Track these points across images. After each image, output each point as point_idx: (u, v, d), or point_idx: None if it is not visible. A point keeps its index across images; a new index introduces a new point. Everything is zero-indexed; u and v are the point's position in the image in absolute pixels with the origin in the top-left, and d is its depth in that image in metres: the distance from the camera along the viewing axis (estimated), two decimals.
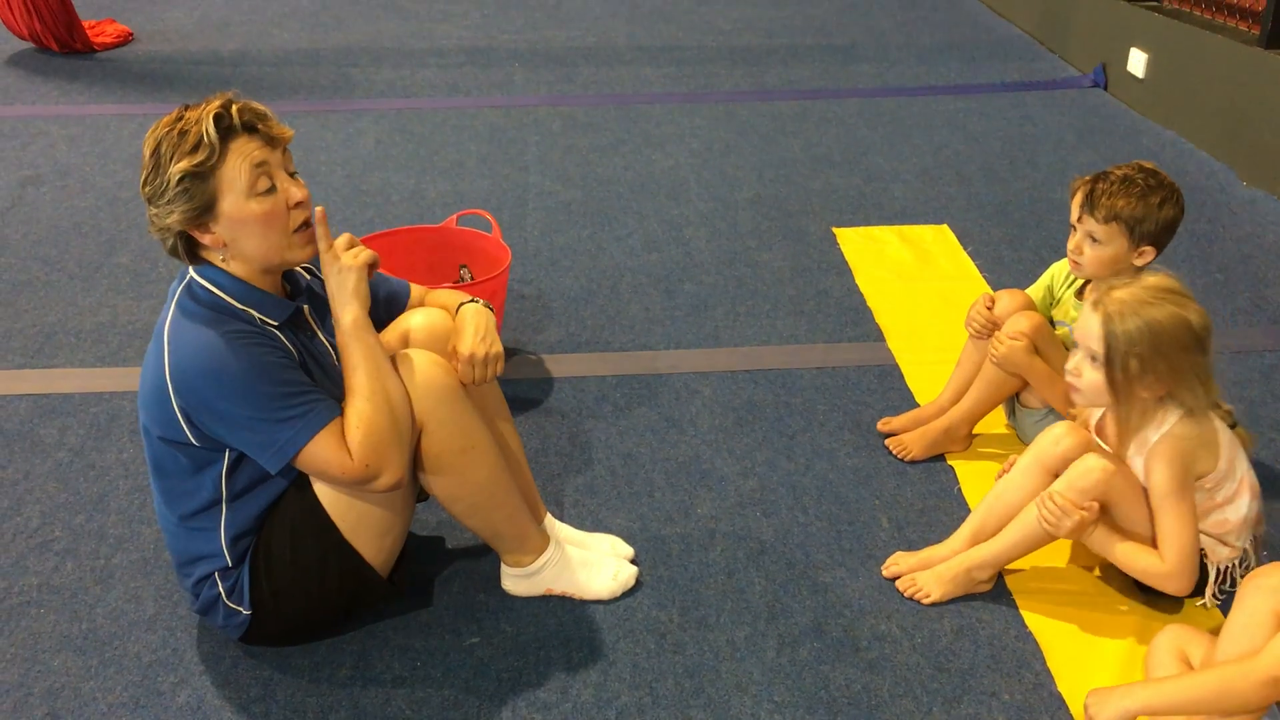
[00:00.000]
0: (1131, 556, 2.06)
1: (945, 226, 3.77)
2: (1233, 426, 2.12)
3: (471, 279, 2.93)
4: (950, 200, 3.99)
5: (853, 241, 3.67)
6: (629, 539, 2.32)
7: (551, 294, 3.38)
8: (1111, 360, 2.00)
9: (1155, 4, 4.85)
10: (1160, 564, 2.03)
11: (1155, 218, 2.31)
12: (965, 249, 3.62)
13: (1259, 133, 3.99)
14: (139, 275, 3.52)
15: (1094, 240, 2.36)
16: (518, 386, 2.89)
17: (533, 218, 3.90)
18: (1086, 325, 2.03)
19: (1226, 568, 2.12)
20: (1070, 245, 2.42)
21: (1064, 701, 1.93)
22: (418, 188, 4.16)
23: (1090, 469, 2.06)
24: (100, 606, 2.17)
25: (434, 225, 3.11)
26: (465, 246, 3.00)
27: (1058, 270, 2.58)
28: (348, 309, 1.91)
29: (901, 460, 2.58)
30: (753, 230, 3.78)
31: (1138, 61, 4.79)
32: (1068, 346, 2.47)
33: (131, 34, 6.19)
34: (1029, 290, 2.62)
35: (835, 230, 3.75)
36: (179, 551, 1.99)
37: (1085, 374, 2.06)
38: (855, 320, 3.21)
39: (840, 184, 4.15)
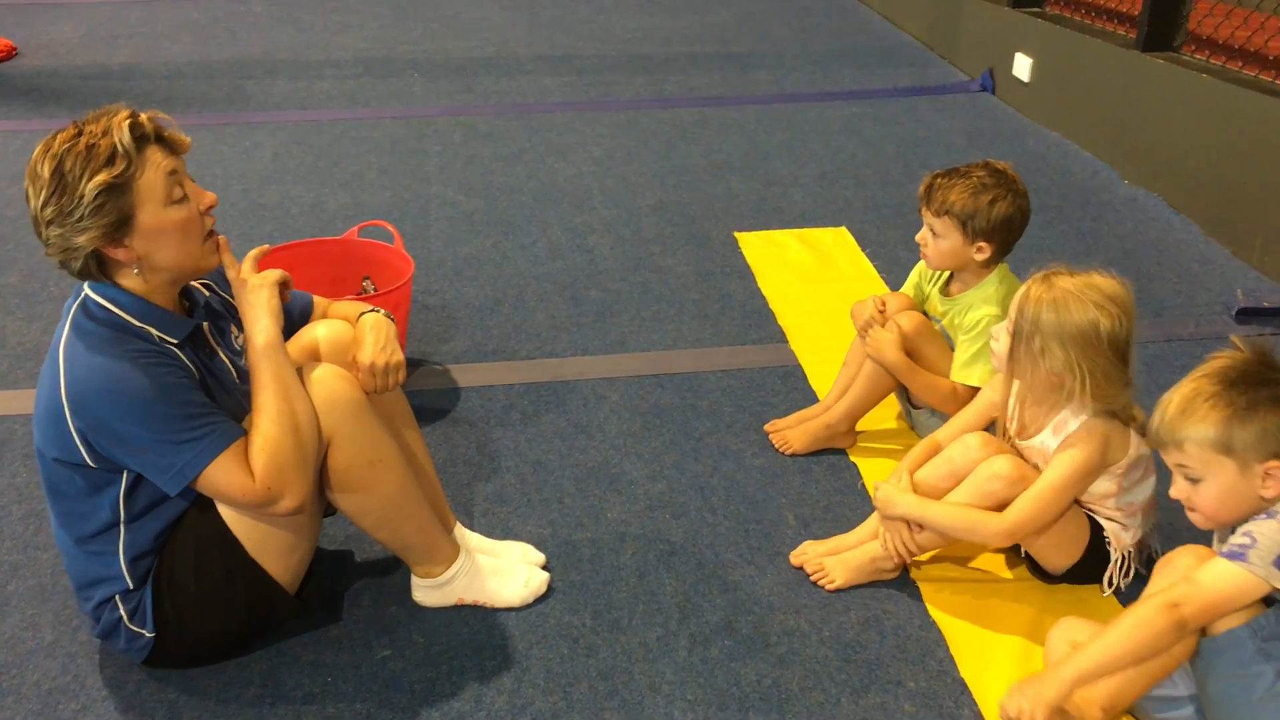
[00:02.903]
0: (968, 521, 2.11)
1: (844, 229, 3.85)
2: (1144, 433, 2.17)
3: (375, 290, 2.91)
4: (848, 203, 4.08)
5: (754, 245, 3.73)
6: (540, 545, 2.32)
7: (456, 304, 3.37)
8: (1017, 334, 2.07)
9: (1038, 10, 5.02)
10: (999, 520, 2.07)
11: (986, 214, 2.40)
12: (864, 250, 3.70)
13: (1138, 133, 4.15)
14: (28, 295, 3.42)
15: (934, 233, 2.45)
16: (424, 397, 2.88)
17: (436, 228, 3.88)
18: (1015, 296, 2.10)
19: (1127, 554, 2.19)
20: (918, 236, 2.51)
21: (966, 687, 1.99)
22: (318, 200, 4.11)
23: (994, 475, 2.12)
24: None
25: (335, 238, 3.08)
26: (368, 258, 2.98)
27: (921, 267, 2.66)
28: (260, 328, 1.89)
29: (783, 454, 2.62)
30: (656, 236, 3.82)
31: (1023, 66, 4.95)
32: (953, 348, 2.55)
33: (15, 48, 6.03)
34: (902, 289, 2.70)
35: (737, 235, 3.80)
36: (78, 575, 1.94)
37: (1001, 339, 2.14)
38: (759, 323, 3.26)
39: (741, 189, 4.21)
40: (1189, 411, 1.72)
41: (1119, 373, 2.06)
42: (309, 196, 4.15)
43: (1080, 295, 2.04)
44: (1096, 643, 1.72)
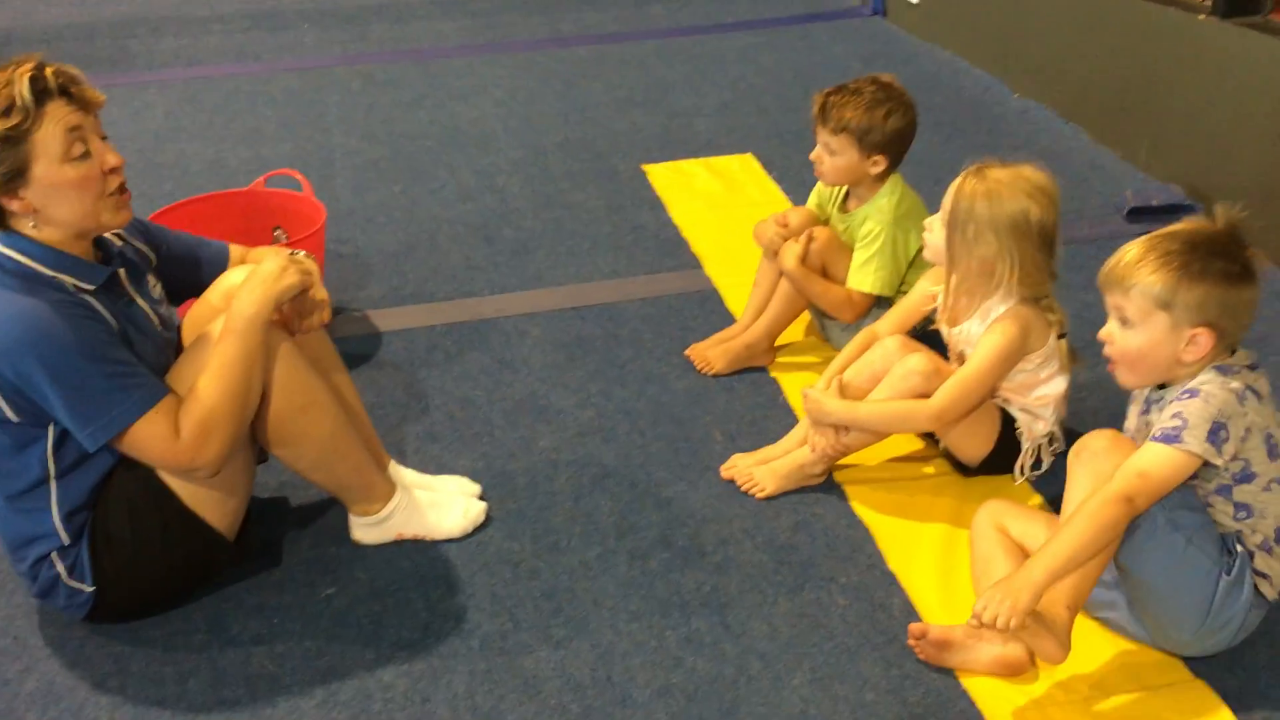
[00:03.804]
0: (898, 412, 2.20)
1: (750, 155, 3.90)
2: (1061, 336, 2.25)
3: (287, 240, 2.89)
4: (752, 130, 4.13)
5: (662, 176, 3.76)
6: (475, 478, 2.35)
7: (369, 251, 3.35)
8: (952, 224, 2.15)
9: None
10: (928, 405, 2.16)
11: (881, 128, 2.49)
12: (770, 175, 3.76)
13: (1025, 46, 4.25)
14: None
15: (830, 151, 2.52)
16: (346, 344, 2.86)
17: (342, 177, 3.84)
18: (950, 189, 2.17)
19: (1038, 446, 2.30)
20: (812, 155, 2.59)
21: (895, 578, 2.08)
22: (217, 156, 4.04)
23: (911, 371, 2.21)
24: None
25: (242, 189, 3.04)
26: (277, 208, 2.96)
27: (820, 187, 2.73)
28: (252, 299, 1.89)
29: (705, 374, 2.69)
30: (565, 173, 3.83)
31: None
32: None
33: None
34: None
35: (645, 167, 3.83)
36: (11, 535, 1.93)
37: (935, 230, 2.23)
38: (672, 251, 3.30)
39: (645, 122, 4.23)
40: (1145, 262, 1.76)
41: (1045, 261, 2.16)
42: (208, 153, 4.06)
43: (1012, 185, 2.12)
44: (1056, 542, 1.73)
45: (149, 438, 1.82)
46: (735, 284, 3.08)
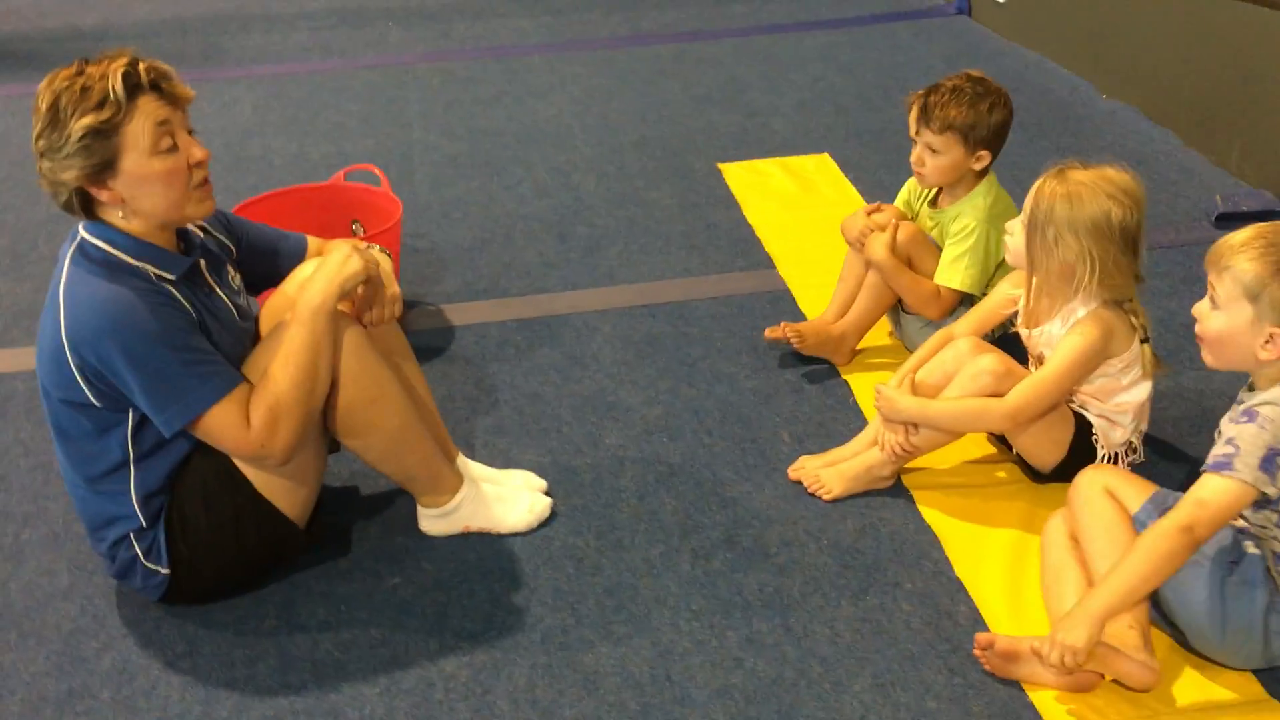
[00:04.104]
0: (971, 410, 2.17)
1: (826, 155, 3.87)
2: (1145, 341, 2.20)
3: (364, 233, 2.93)
4: (829, 130, 4.09)
5: (738, 176, 3.75)
6: (541, 473, 2.37)
7: (445, 246, 3.39)
8: (1033, 226, 2.11)
9: None
10: (1002, 403, 2.12)
11: (986, 123, 2.45)
12: (847, 176, 3.72)
13: (1115, 46, 4.16)
14: (19, 256, 3.44)
15: (933, 151, 2.49)
16: (419, 337, 2.91)
17: (420, 173, 3.89)
18: (1031, 191, 2.14)
19: (1115, 454, 2.25)
20: (913, 158, 2.54)
21: (962, 585, 2.05)
22: (300, 151, 4.11)
23: (981, 371, 2.18)
24: (13, 583, 2.15)
25: (322, 183, 3.09)
26: (355, 202, 3.00)
27: (911, 185, 2.70)
28: (319, 289, 1.92)
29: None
30: (640, 171, 3.83)
31: None
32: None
33: None
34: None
35: (720, 166, 3.82)
36: (91, 516, 1.98)
37: (1016, 233, 2.20)
38: (745, 251, 3.29)
39: (721, 121, 4.22)
40: (1248, 248, 1.72)
41: (1129, 262, 2.11)
42: (291, 148, 4.14)
43: (1094, 186, 2.08)
44: (1116, 576, 1.72)
45: (222, 425, 1.86)
46: (808, 284, 3.06)
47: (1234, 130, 3.52)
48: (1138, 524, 1.85)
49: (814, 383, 2.66)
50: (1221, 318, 1.77)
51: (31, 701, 1.90)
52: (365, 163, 3.83)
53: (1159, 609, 1.87)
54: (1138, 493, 1.91)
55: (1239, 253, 1.74)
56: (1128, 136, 3.88)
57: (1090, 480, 1.97)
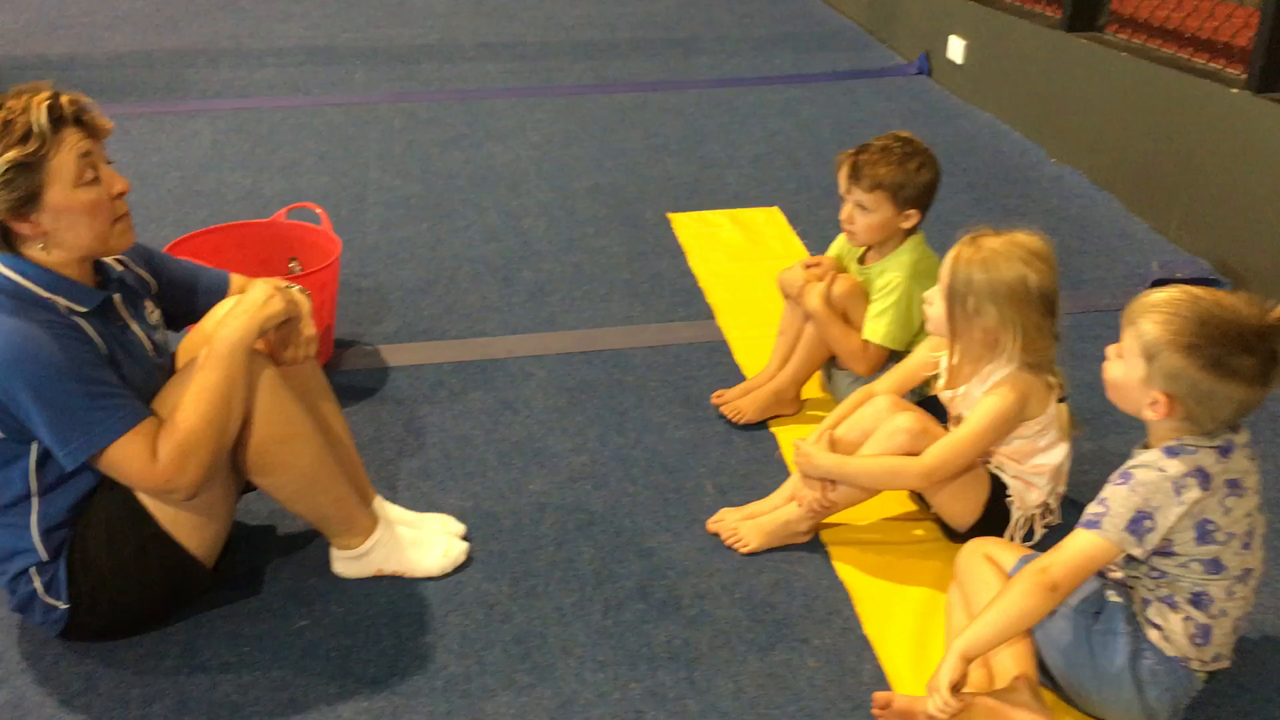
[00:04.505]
0: (887, 468, 2.18)
1: (776, 209, 3.90)
2: (1061, 400, 2.23)
3: (301, 271, 2.93)
4: (782, 184, 4.13)
5: (687, 226, 3.77)
6: (461, 517, 2.36)
7: (389, 286, 3.39)
8: (951, 297, 2.13)
9: None
10: (918, 461, 2.14)
11: (915, 182, 2.49)
12: (795, 229, 3.76)
13: (1064, 112, 4.22)
14: None
15: (863, 209, 2.52)
16: (353, 377, 2.91)
17: (372, 212, 3.90)
18: (946, 260, 2.16)
19: (1031, 516, 2.26)
20: (842, 216, 2.57)
21: (869, 643, 2.05)
22: (254, 186, 4.12)
23: (898, 429, 2.19)
24: None
25: (263, 220, 3.10)
26: (295, 240, 3.00)
27: (840, 241, 2.73)
28: (236, 326, 1.92)
29: (735, 424, 2.68)
30: (590, 218, 3.85)
31: (957, 48, 5.02)
32: None
33: None
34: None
35: (670, 215, 3.85)
36: None
37: (935, 304, 2.20)
38: (687, 301, 3.30)
39: (676, 171, 4.25)
40: (1157, 310, 1.74)
41: (1049, 325, 2.13)
42: (245, 183, 4.15)
43: (1007, 253, 2.10)
44: (981, 618, 1.77)
45: (127, 458, 1.85)
46: (745, 336, 3.07)
47: (1174, 198, 3.58)
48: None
49: (743, 434, 2.66)
50: (1120, 368, 1.80)
51: None
52: (316, 201, 3.85)
53: (1043, 670, 1.88)
54: (1012, 554, 1.94)
55: (1148, 313, 1.76)
56: (1072, 200, 3.93)
57: (971, 550, 2.01)
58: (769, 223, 3.80)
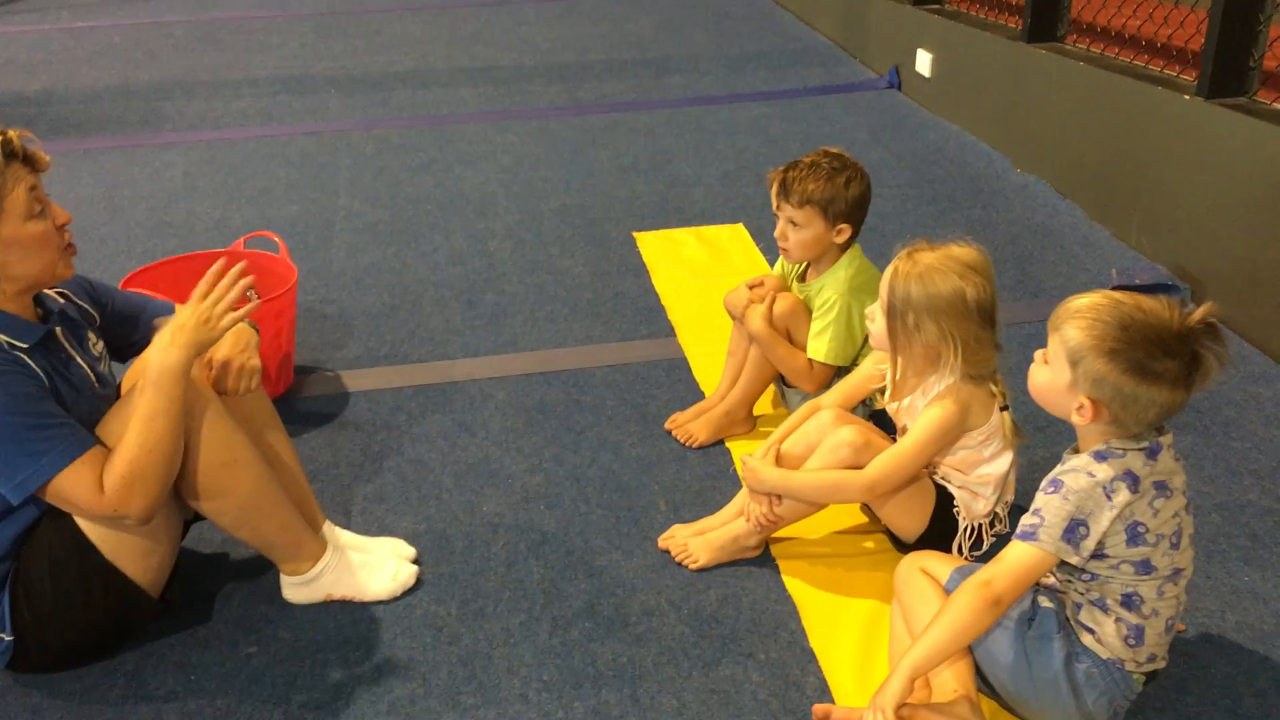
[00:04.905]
0: (831, 482, 2.19)
1: (740, 225, 3.93)
2: (1003, 409, 2.25)
3: (257, 299, 2.94)
4: (748, 200, 4.15)
5: (651, 244, 3.79)
6: (414, 540, 2.36)
7: (353, 312, 3.41)
8: (891, 313, 2.14)
9: (938, 6, 5.12)
10: (861, 475, 2.15)
11: (844, 196, 2.51)
12: (759, 245, 3.78)
13: (1027, 123, 4.25)
14: None
15: (795, 225, 2.54)
16: (312, 403, 2.92)
17: (339, 239, 3.92)
18: (884, 276, 2.17)
19: (978, 525, 2.26)
20: (776, 233, 2.60)
21: (814, 655, 2.05)
22: (223, 217, 4.14)
23: (840, 443, 2.20)
24: None
25: (221, 249, 3.11)
26: (253, 268, 2.99)
27: (782, 264, 2.74)
28: (169, 353, 1.91)
29: (688, 447, 2.69)
30: (556, 239, 3.88)
31: (924, 62, 5.05)
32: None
33: None
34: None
35: (635, 234, 3.87)
36: None
37: (877, 320, 2.21)
38: (649, 319, 3.32)
39: (644, 190, 4.28)
40: (1080, 315, 1.74)
41: (988, 336, 2.14)
42: (215, 213, 4.18)
43: (943, 268, 2.11)
44: (924, 635, 1.77)
45: (73, 487, 1.86)
46: (705, 353, 3.09)
47: (1133, 205, 3.60)
48: (946, 592, 1.87)
49: (697, 451, 2.67)
50: (1046, 373, 1.80)
51: None
52: (285, 228, 3.88)
53: (983, 680, 1.88)
54: (948, 566, 1.94)
55: (1072, 318, 1.77)
56: (1036, 209, 3.95)
57: (908, 564, 2.01)
58: (733, 239, 3.82)
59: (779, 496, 2.22)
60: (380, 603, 2.21)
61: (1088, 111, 3.83)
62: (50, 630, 1.98)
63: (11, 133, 1.88)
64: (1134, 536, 1.74)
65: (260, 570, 2.30)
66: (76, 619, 1.99)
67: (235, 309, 2.01)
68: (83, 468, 1.86)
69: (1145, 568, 1.76)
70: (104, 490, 1.86)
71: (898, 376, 2.24)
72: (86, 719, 1.96)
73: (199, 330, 1.96)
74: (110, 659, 2.08)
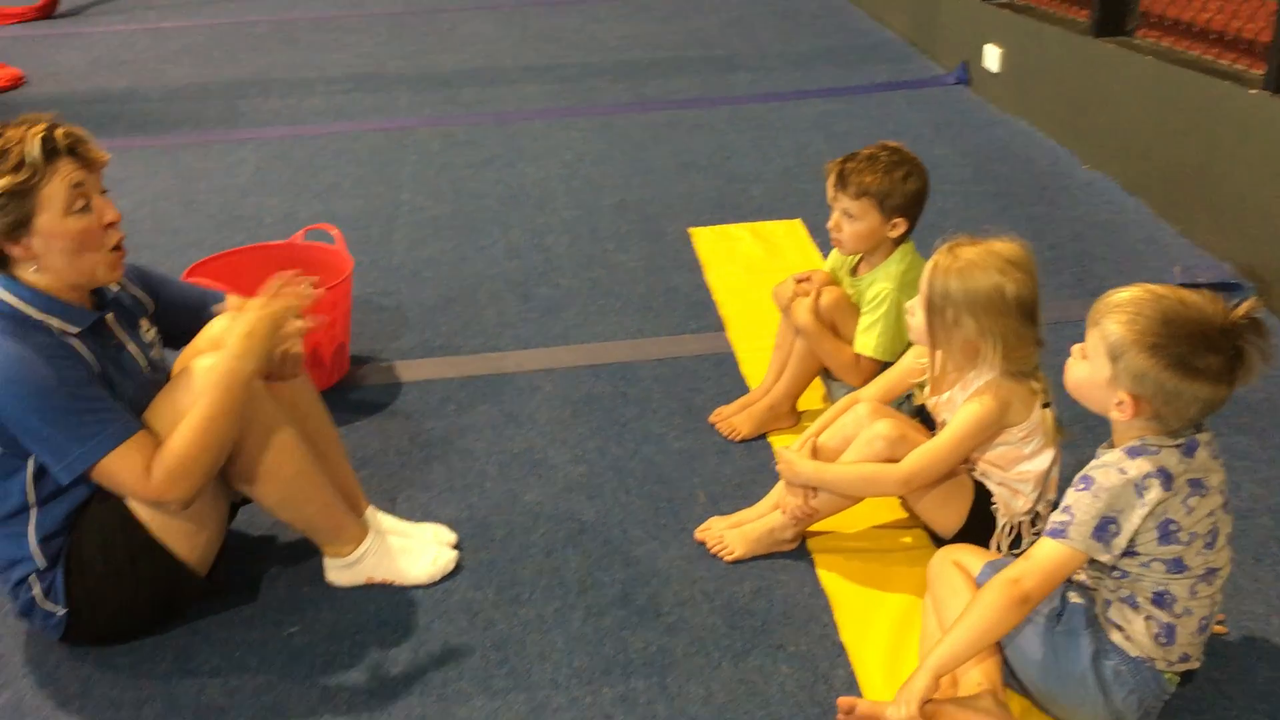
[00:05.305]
0: (866, 474, 2.18)
1: (798, 221, 3.91)
2: (1045, 406, 2.22)
3: (315, 289, 3.01)
4: (806, 196, 4.13)
5: (706, 240, 3.80)
6: (456, 527, 2.41)
7: (410, 304, 3.47)
8: (930, 308, 2.13)
9: (1007, 1, 5.04)
10: (896, 468, 2.13)
11: (901, 190, 2.49)
12: (815, 241, 3.76)
13: (1095, 118, 4.17)
14: None
15: (849, 216, 2.52)
16: (366, 392, 2.98)
17: (400, 233, 3.99)
18: (924, 271, 2.15)
19: (1018, 523, 2.24)
20: (830, 224, 2.58)
21: (844, 649, 2.05)
22: (291, 210, 4.24)
23: (876, 436, 2.19)
24: None
25: (281, 241, 3.19)
26: (310, 260, 3.08)
27: (836, 254, 2.73)
28: (247, 362, 2.00)
29: (731, 440, 2.70)
30: (612, 234, 3.90)
31: (993, 57, 4.98)
32: None
33: (23, 76, 6.24)
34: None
35: (691, 230, 3.88)
36: None
37: (917, 314, 2.20)
38: (699, 314, 3.33)
39: (703, 186, 4.28)
40: (1121, 309, 1.72)
41: (1029, 332, 2.11)
42: (283, 207, 4.27)
43: (983, 263, 2.09)
44: (953, 631, 1.76)
45: (119, 470, 1.93)
46: (754, 348, 3.09)
47: (1200, 202, 3.51)
48: (978, 585, 1.85)
49: (740, 445, 2.68)
50: (1084, 368, 1.78)
51: None
52: (348, 223, 3.96)
53: (1013, 676, 1.86)
54: (980, 560, 1.92)
55: (1112, 313, 1.74)
56: (1101, 206, 3.87)
57: (941, 557, 2.01)
58: (789, 235, 3.81)
59: (814, 489, 2.22)
60: (419, 587, 2.26)
61: (1155, 106, 3.75)
62: (101, 605, 2.05)
63: (60, 129, 1.94)
64: (1166, 534, 1.71)
65: (305, 554, 2.35)
66: (126, 595, 2.06)
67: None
68: (130, 451, 1.93)
69: (1177, 566, 1.73)
70: (151, 476, 1.93)
71: (937, 371, 2.22)
72: (134, 691, 2.04)
73: (270, 339, 2.03)
74: (159, 634, 2.15)
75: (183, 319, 2.27)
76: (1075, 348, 1.82)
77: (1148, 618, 1.76)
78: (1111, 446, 1.79)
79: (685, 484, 2.55)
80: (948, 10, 5.61)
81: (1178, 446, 1.72)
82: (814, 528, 2.33)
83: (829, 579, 2.22)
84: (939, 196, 3.95)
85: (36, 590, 2.04)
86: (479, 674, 2.04)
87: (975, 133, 4.68)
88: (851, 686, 1.97)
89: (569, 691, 1.99)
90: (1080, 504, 1.71)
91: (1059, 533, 1.71)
